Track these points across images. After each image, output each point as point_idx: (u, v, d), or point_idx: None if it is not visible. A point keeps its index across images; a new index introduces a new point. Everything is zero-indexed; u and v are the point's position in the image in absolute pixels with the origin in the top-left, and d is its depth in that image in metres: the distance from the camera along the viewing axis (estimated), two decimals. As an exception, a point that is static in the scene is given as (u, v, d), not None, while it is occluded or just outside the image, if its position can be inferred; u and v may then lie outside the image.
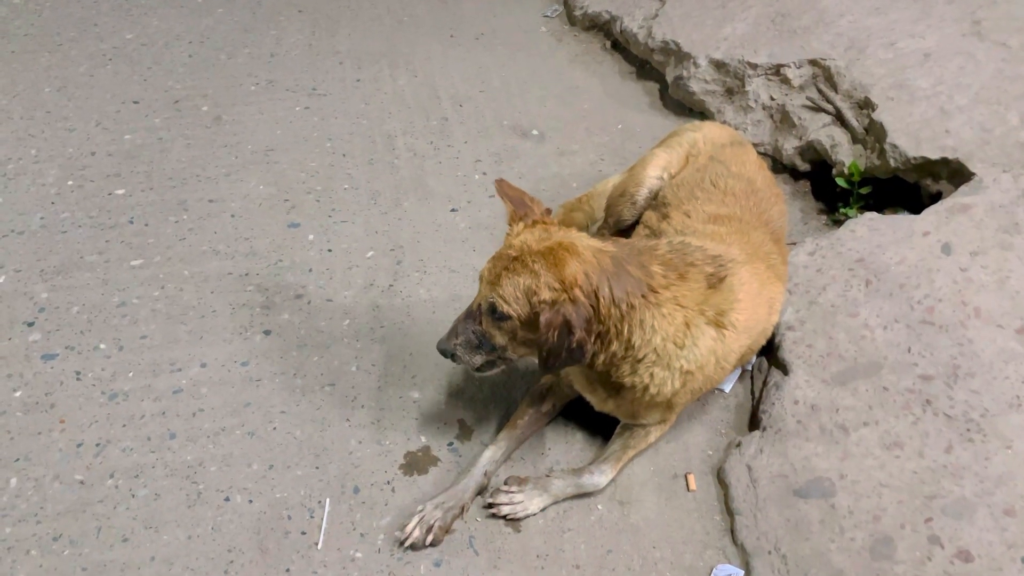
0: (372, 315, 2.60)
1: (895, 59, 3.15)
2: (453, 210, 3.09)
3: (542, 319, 1.70)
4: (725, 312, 1.89)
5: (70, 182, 3.15)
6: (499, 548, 1.95)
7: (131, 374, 2.36)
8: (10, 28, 4.34)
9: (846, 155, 3.03)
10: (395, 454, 2.17)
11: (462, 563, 1.92)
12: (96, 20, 4.49)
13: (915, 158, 2.77)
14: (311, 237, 2.93)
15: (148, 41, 4.29)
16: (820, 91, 3.24)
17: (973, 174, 2.62)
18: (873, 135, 2.96)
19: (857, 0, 3.52)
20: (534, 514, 2.01)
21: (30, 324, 2.52)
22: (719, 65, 3.57)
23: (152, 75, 3.94)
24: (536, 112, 3.76)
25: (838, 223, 2.91)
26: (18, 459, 2.12)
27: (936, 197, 2.75)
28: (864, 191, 2.97)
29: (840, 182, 3.01)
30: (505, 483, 2.02)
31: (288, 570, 1.89)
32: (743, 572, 1.89)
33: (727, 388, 2.34)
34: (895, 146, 2.82)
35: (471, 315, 1.88)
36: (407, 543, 1.92)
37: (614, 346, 1.80)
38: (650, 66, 4.05)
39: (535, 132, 3.61)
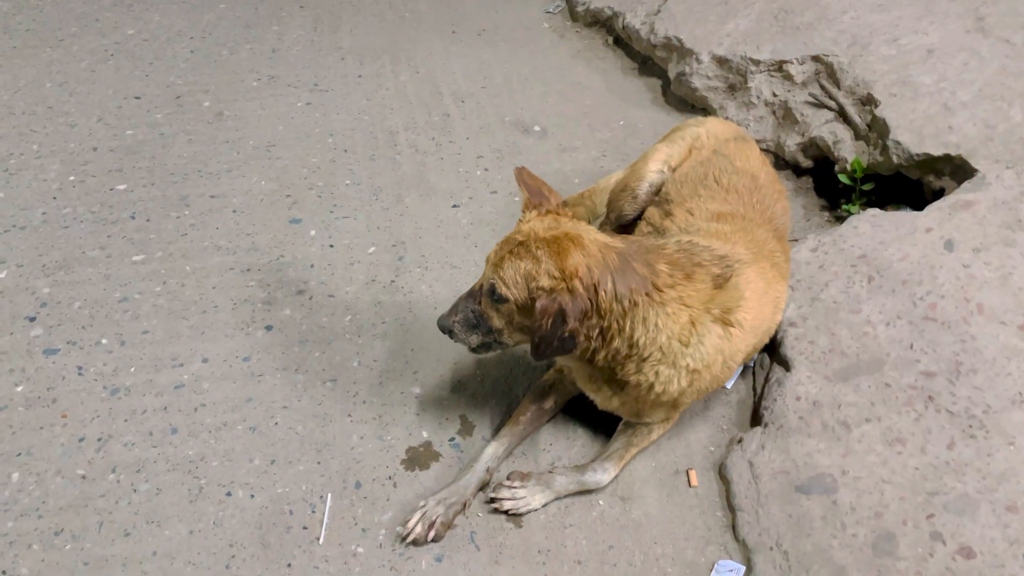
0: (374, 311, 2.59)
1: (898, 55, 3.14)
2: (455, 206, 3.09)
3: (537, 305, 1.71)
4: (731, 310, 1.89)
5: (72, 177, 3.15)
6: (501, 543, 1.95)
7: (133, 369, 2.36)
8: (12, 23, 4.33)
9: (849, 151, 3.02)
10: (397, 449, 2.16)
11: (463, 558, 1.92)
12: (98, 16, 4.49)
13: (918, 154, 2.76)
14: (313, 233, 2.92)
15: (150, 37, 4.29)
16: (823, 87, 3.23)
17: (976, 170, 2.61)
18: (876, 131, 2.96)
19: (860, -4, 3.51)
20: (536, 510, 2.01)
21: (32, 319, 2.52)
22: (722, 61, 3.56)
23: (154, 71, 3.94)
24: (538, 108, 3.76)
25: (840, 220, 2.91)
26: (20, 454, 2.12)
27: (939, 194, 2.74)
28: (867, 188, 2.97)
29: (843, 179, 3.01)
30: (508, 478, 2.02)
31: (290, 565, 1.89)
32: (744, 568, 1.89)
33: (729, 384, 2.34)
34: (898, 142, 2.81)
35: (472, 295, 1.91)
36: (409, 539, 1.92)
37: (616, 342, 1.80)
38: (652, 62, 4.05)
39: (537, 128, 3.61)
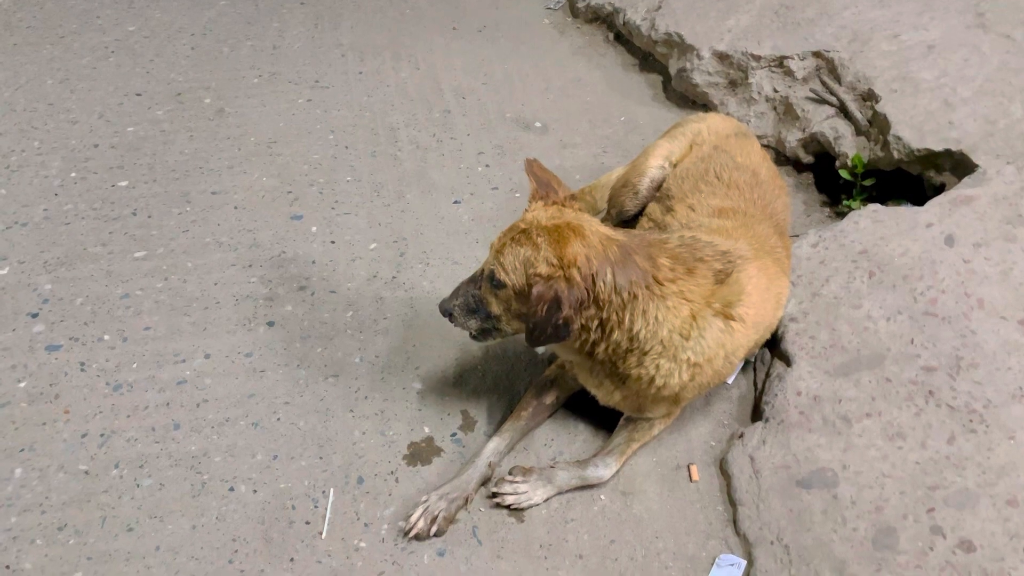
0: (375, 307, 2.60)
1: (899, 51, 3.14)
2: (456, 202, 3.09)
3: (533, 291, 1.72)
4: (733, 305, 1.89)
5: (73, 174, 3.15)
6: (502, 538, 1.96)
7: (135, 365, 2.37)
8: (13, 20, 4.33)
9: (849, 147, 3.02)
10: (399, 445, 2.17)
11: (466, 553, 1.93)
12: (98, 12, 4.49)
13: (919, 150, 2.76)
14: (314, 229, 2.93)
15: (150, 33, 4.29)
16: (823, 83, 3.23)
17: (977, 166, 2.61)
18: (877, 127, 2.96)
19: (861, -8, 3.51)
20: (537, 504, 2.01)
21: (34, 315, 2.52)
22: (722, 57, 3.56)
23: (155, 67, 3.94)
24: (539, 104, 3.76)
25: (841, 215, 2.91)
26: (23, 449, 2.12)
27: (939, 189, 2.74)
28: (867, 183, 2.97)
29: (843, 174, 3.01)
30: (510, 473, 2.03)
31: (292, 559, 1.90)
32: (745, 562, 1.89)
33: (730, 380, 2.34)
34: (899, 138, 2.81)
35: (474, 280, 1.93)
36: (411, 533, 1.92)
37: (616, 335, 1.80)
38: (653, 58, 4.04)
39: (538, 124, 3.61)
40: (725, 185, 2.34)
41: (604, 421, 2.21)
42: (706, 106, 3.64)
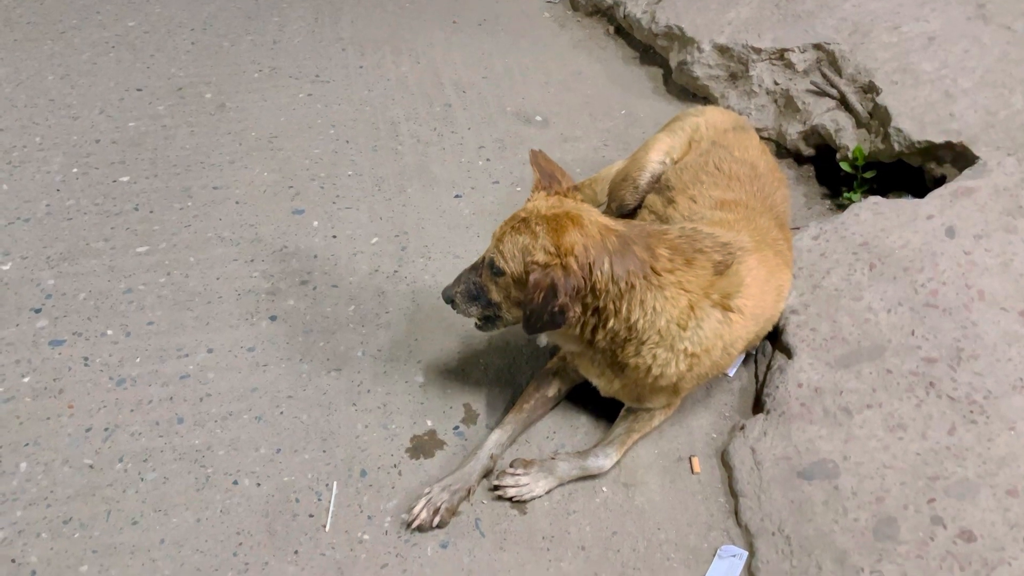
0: (377, 301, 2.60)
1: (899, 43, 3.13)
2: (457, 196, 3.09)
3: (531, 278, 1.74)
4: (731, 296, 1.90)
5: (75, 169, 3.16)
6: (505, 530, 1.97)
7: (138, 360, 2.38)
8: (13, 16, 4.33)
9: (850, 139, 3.02)
10: (401, 438, 2.18)
11: (468, 544, 1.94)
12: (98, 8, 4.48)
13: (919, 142, 2.76)
14: (315, 224, 2.93)
15: (150, 29, 4.28)
16: (824, 75, 3.22)
17: (977, 157, 2.61)
18: (877, 119, 2.95)
19: (861, -16, 3.50)
20: (540, 496, 2.02)
21: (37, 310, 2.53)
22: (723, 50, 3.55)
23: (155, 63, 3.94)
24: (539, 98, 3.75)
25: (842, 207, 2.91)
26: (27, 444, 2.13)
27: (940, 181, 2.74)
28: (868, 175, 2.97)
29: (844, 166, 3.01)
30: (511, 465, 2.03)
31: (296, 552, 1.91)
32: (747, 553, 1.90)
33: (731, 372, 2.35)
34: (899, 130, 2.81)
35: (475, 268, 1.96)
36: (414, 525, 1.93)
37: (613, 323, 1.81)
38: (653, 51, 4.04)
39: (538, 118, 3.61)
40: (726, 176, 2.34)
41: (605, 413, 2.22)
42: (707, 99, 3.64)
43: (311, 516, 1.99)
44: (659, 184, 2.51)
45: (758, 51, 3.43)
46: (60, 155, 3.23)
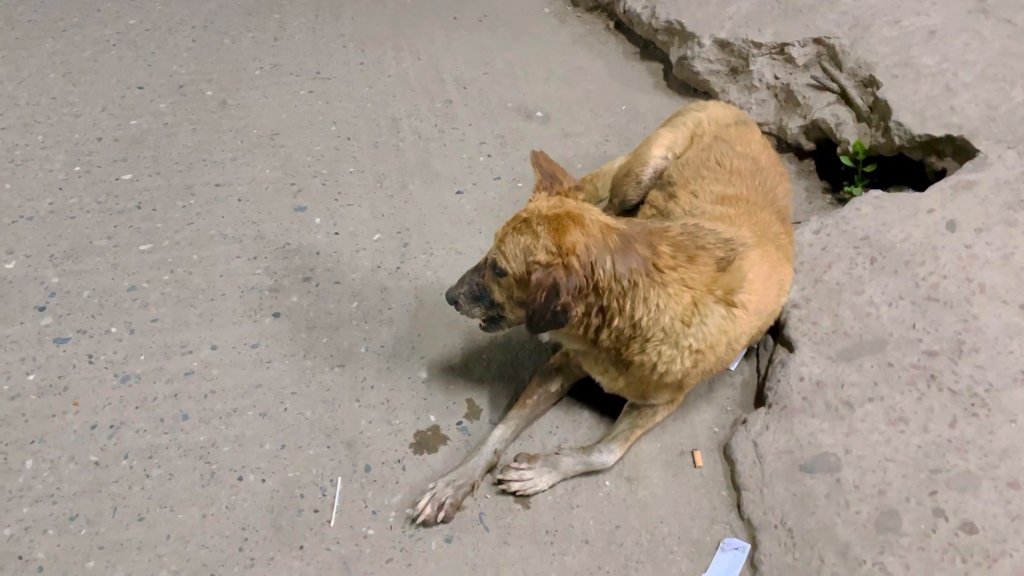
0: (380, 297, 2.61)
1: (900, 37, 3.13)
2: (459, 192, 3.09)
3: (532, 278, 1.75)
4: (735, 292, 1.90)
5: (77, 168, 3.16)
6: (509, 524, 1.98)
7: (143, 357, 2.38)
8: (14, 14, 4.32)
9: (851, 133, 3.02)
10: (405, 433, 2.19)
11: (473, 539, 1.95)
12: (99, 5, 4.48)
13: (920, 136, 2.76)
14: (318, 220, 2.93)
15: (152, 26, 4.28)
16: (824, 70, 3.22)
17: (978, 151, 2.61)
18: (878, 113, 2.95)
19: (862, -23, 3.49)
20: (543, 491, 2.03)
21: (41, 308, 2.53)
22: (723, 44, 3.55)
23: (156, 60, 3.94)
24: (540, 94, 3.75)
25: (843, 201, 2.91)
26: (33, 441, 2.14)
27: (941, 175, 2.74)
28: (869, 169, 2.97)
29: (845, 161, 3.01)
30: (515, 460, 2.04)
31: (302, 547, 1.92)
32: (749, 546, 1.91)
33: (733, 366, 2.35)
34: (900, 124, 2.81)
35: (478, 268, 1.97)
36: (419, 520, 1.94)
37: (617, 321, 1.82)
38: (654, 46, 4.03)
39: (539, 114, 3.60)
40: (727, 171, 2.34)
41: (608, 408, 2.22)
42: (707, 94, 3.63)
43: (316, 512, 1.99)
44: (661, 180, 2.51)
45: (758, 46, 3.42)
46: (62, 153, 3.24)
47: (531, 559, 1.91)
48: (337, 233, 2.88)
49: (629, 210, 2.65)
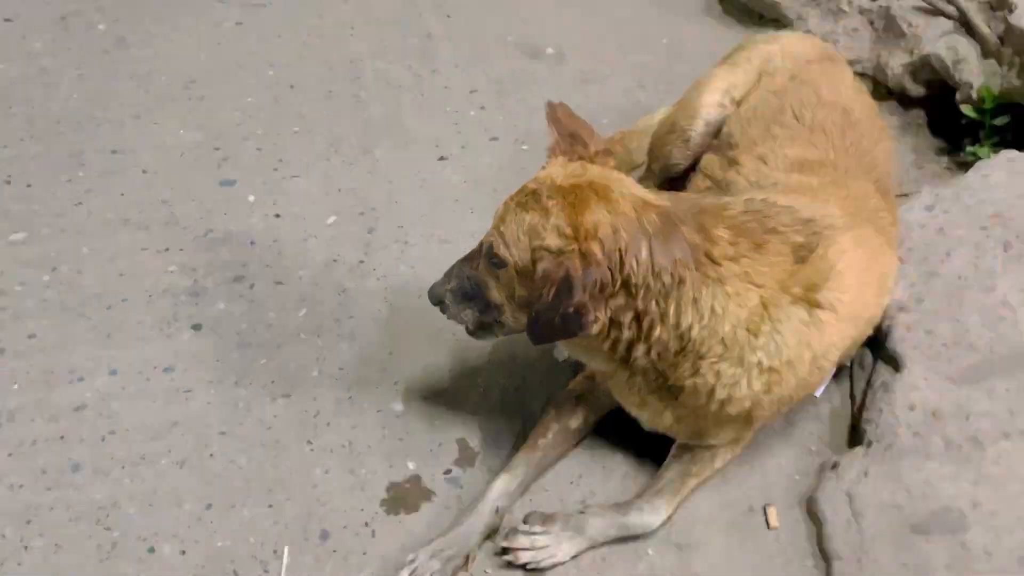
0: (337, 302, 2.62)
1: (1040, -59, 3.13)
2: (442, 159, 3.10)
3: (538, 268, 1.76)
4: (819, 290, 1.90)
5: (-77, 131, 3.17)
6: (517, 609, 1.99)
7: (16, 386, 2.38)
8: None
9: (974, 74, 3.02)
10: (374, 487, 2.19)
11: (468, 630, 1.96)
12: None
13: (1069, 76, 2.76)
14: (252, 198, 2.94)
15: (21, -63, 4.28)
16: (938, -13, 3.23)
17: None
18: (1011, 46, 2.95)
19: None
20: (563, 563, 2.03)
21: None
22: (799, -46, 3.56)
23: (28, -18, 3.94)
24: (552, 24, 3.76)
25: (965, 166, 2.91)
26: None
27: (1098, 129, 2.75)
28: (999, 122, 2.97)
29: (967, 111, 3.01)
30: (525, 521, 2.05)
31: (236, 643, 1.93)
32: (844, 635, 1.91)
33: (819, 392, 2.35)
34: (1041, 60, 2.82)
35: (470, 258, 1.98)
36: (394, 605, 1.95)
37: (659, 332, 1.82)
38: (705, -42, 4.04)
39: (550, 51, 3.61)
40: (808, 128, 2.35)
41: (650, 450, 2.23)
42: (778, 21, 3.64)
43: (255, 594, 2.00)
44: (717, 139, 2.52)
45: (847, -45, 3.43)
46: (-97, 111, 3.24)
47: (548, 656, 1.92)
48: (278, 216, 2.88)
49: (674, 180, 2.66)
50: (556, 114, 1.99)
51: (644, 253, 1.75)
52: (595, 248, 1.73)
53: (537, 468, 2.18)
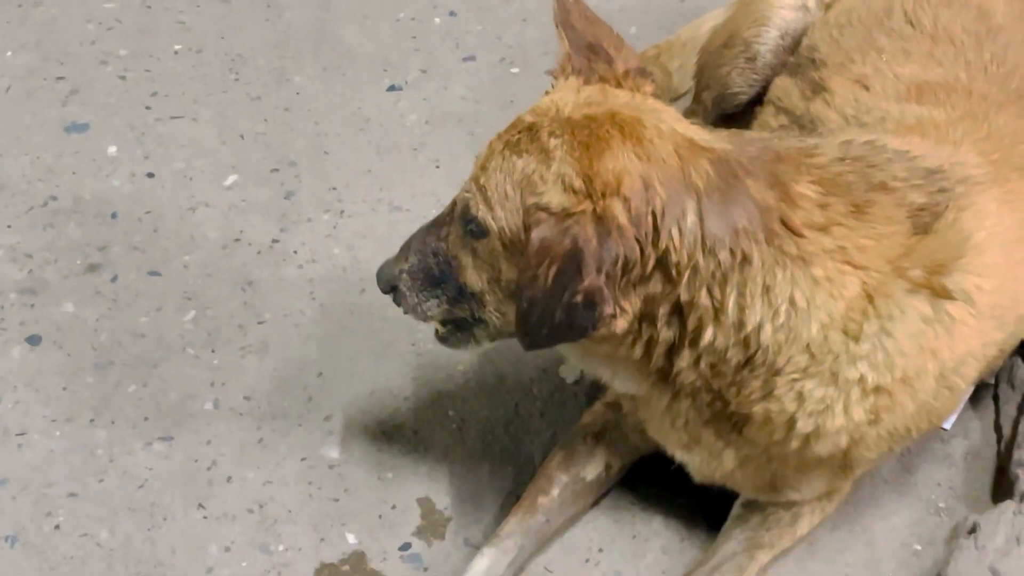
0: (241, 300, 2.62)
1: None
2: (393, 88, 3.10)
3: (533, 236, 1.72)
4: (949, 272, 1.89)
5: None
6: None
7: None
8: None
9: None
10: (298, 569, 2.20)
11: None
12: None
13: None
14: (112, 150, 2.94)
15: None
16: None
17: None
18: None
19: None
20: None
21: None
22: None
23: None
24: None
25: None
26: None
27: None
28: None
29: None
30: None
31: None
32: None
33: (949, 423, 2.36)
34: None
35: (438, 224, 1.97)
36: None
37: (711, 335, 1.80)
38: None
39: (550, -74, 3.61)
40: (928, 37, 2.35)
41: (701, 510, 2.24)
42: None
43: None
44: (796, 55, 2.52)
45: None
46: None
47: None
48: (151, 175, 2.88)
49: (732, 117, 2.67)
50: (569, 16, 1.96)
51: (691, 218, 1.73)
52: (617, 209, 1.69)
53: (537, 539, 2.18)
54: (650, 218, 1.69)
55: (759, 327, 1.80)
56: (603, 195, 1.68)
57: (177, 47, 3.22)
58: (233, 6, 3.34)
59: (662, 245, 1.70)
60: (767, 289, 1.78)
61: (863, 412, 1.89)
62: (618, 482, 2.29)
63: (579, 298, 1.69)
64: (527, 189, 1.75)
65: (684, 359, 1.85)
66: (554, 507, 2.19)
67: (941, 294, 1.88)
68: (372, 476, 2.33)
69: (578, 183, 1.70)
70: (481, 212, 1.81)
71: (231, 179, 2.88)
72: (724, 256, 1.73)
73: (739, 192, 1.76)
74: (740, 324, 1.80)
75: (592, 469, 2.23)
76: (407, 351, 2.50)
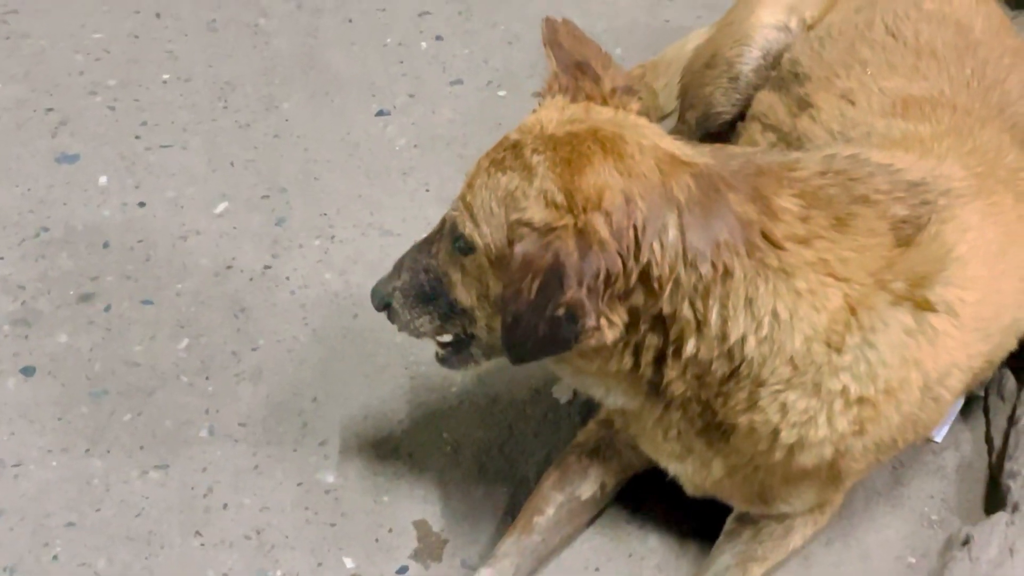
0: (234, 327, 2.63)
1: None
2: (381, 113, 3.12)
3: (516, 251, 1.74)
4: (932, 284, 1.90)
5: None
6: None
7: None
8: None
9: None
10: (295, 595, 2.21)
11: None
12: None
13: None
14: (103, 180, 2.95)
15: None
16: None
17: None
18: None
19: None
20: None
21: None
22: None
23: None
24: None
25: None
26: None
27: None
28: None
29: None
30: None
31: None
32: None
33: (939, 435, 2.38)
34: None
35: (429, 242, 2.00)
36: None
37: (692, 347, 1.81)
38: None
39: (535, -50, 3.64)
40: (912, 51, 2.36)
41: (696, 525, 2.25)
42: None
43: None
44: (779, 72, 2.54)
45: None
46: None
47: None
48: (143, 204, 2.89)
49: (716, 133, 2.69)
50: (557, 35, 1.99)
51: (672, 232, 1.73)
52: (598, 223, 1.70)
53: (533, 559, 2.19)
54: (631, 232, 1.70)
55: (743, 339, 1.81)
56: (584, 210, 1.69)
57: (166, 76, 3.23)
58: (221, 34, 3.36)
59: (643, 259, 1.71)
60: (749, 302, 1.79)
61: (847, 423, 1.90)
62: (613, 501, 2.30)
63: (561, 311, 1.70)
64: (511, 205, 1.76)
65: (672, 372, 1.86)
66: (550, 526, 2.20)
67: (924, 306, 1.89)
68: (368, 500, 2.34)
69: (560, 198, 1.72)
70: (468, 229, 1.83)
71: (222, 206, 2.90)
72: (705, 269, 1.74)
73: (720, 206, 1.77)
74: (723, 336, 1.80)
75: (587, 488, 2.24)
76: (400, 374, 2.51)
